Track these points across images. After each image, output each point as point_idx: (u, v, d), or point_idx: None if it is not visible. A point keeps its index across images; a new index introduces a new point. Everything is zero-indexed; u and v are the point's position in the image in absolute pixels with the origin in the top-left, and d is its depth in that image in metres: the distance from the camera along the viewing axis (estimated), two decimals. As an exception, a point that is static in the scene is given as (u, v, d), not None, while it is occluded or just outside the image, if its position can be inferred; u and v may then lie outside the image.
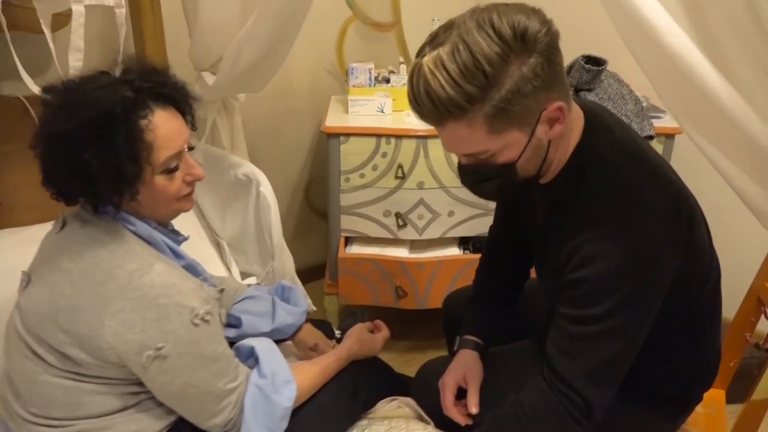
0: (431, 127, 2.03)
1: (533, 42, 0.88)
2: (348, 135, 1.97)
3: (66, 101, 0.99)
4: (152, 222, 1.09)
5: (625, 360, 1.03)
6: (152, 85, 1.03)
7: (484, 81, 0.87)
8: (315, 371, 1.23)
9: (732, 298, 1.43)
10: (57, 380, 1.03)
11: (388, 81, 2.15)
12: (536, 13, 0.91)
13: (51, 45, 1.34)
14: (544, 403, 1.05)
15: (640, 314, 1.00)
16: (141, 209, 1.07)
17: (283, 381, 1.13)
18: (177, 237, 1.16)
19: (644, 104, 1.99)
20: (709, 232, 1.11)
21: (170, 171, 1.05)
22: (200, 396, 1.05)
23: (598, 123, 1.06)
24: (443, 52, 0.88)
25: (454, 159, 1.99)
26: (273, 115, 2.33)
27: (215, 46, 1.60)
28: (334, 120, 2.04)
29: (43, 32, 1.39)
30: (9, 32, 1.51)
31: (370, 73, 2.10)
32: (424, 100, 0.91)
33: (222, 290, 1.22)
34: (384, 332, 1.42)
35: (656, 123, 1.96)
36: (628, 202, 0.99)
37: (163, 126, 1.03)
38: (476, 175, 1.03)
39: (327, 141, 1.99)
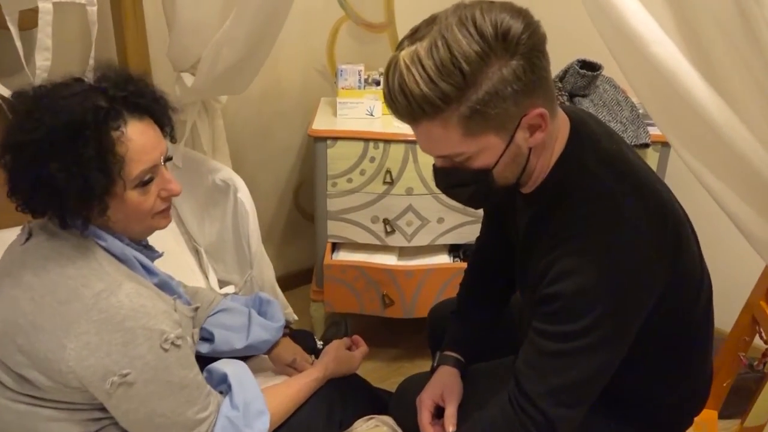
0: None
1: (515, 43, 0.84)
2: (335, 139, 1.92)
3: (34, 108, 0.94)
4: (125, 238, 1.03)
5: (597, 381, 0.98)
6: (127, 94, 0.98)
7: (460, 80, 0.84)
8: (289, 395, 1.17)
9: (726, 313, 1.38)
10: (12, 404, 0.98)
11: (378, 83, 2.10)
12: (522, 13, 0.87)
13: (18, 43, 1.30)
14: (504, 419, 1.00)
15: (617, 334, 0.95)
16: (112, 225, 1.01)
17: (256, 412, 1.07)
18: (151, 253, 1.11)
19: (640, 111, 1.94)
20: (699, 248, 1.06)
21: (144, 184, 1.00)
22: (168, 426, 0.99)
23: (584, 132, 1.02)
24: (421, 47, 0.85)
25: (444, 165, 1.95)
26: (261, 117, 2.28)
27: (193, 47, 1.55)
28: (321, 123, 1.99)
29: (20, 29, 1.34)
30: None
31: (359, 75, 2.05)
32: (398, 97, 0.87)
33: (197, 308, 1.17)
34: (362, 348, 1.37)
35: (652, 130, 1.90)
36: (609, 216, 0.94)
37: (137, 139, 0.98)
38: (451, 178, 0.99)
39: (314, 144, 1.94)
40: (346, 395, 1.25)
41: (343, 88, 2.04)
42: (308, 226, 2.53)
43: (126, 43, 1.69)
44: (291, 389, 1.19)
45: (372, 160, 1.93)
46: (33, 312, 0.94)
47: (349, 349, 1.35)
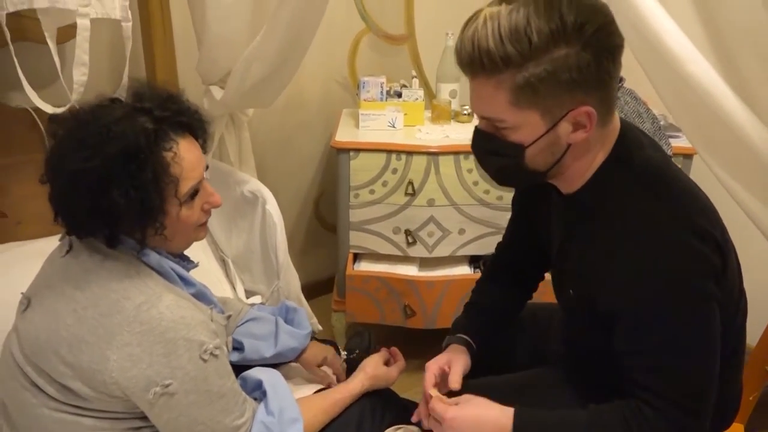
0: (443, 143, 2.00)
1: (589, 37, 0.87)
2: (358, 150, 1.95)
3: (84, 136, 0.95)
4: (162, 250, 1.06)
5: (709, 382, 0.98)
6: (171, 114, 1.01)
7: (526, 48, 0.87)
8: (324, 407, 1.19)
9: (752, 326, 1.37)
10: (55, 414, 0.99)
11: (400, 95, 2.12)
12: (606, 14, 0.88)
13: (56, 58, 1.33)
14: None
15: (700, 335, 0.96)
16: (159, 241, 1.03)
17: (290, 419, 1.09)
18: (187, 264, 1.13)
19: (662, 123, 1.95)
20: (738, 263, 1.06)
21: (191, 199, 1.03)
22: None
23: (631, 138, 1.03)
24: (504, 8, 0.88)
25: (466, 176, 1.97)
26: (283, 127, 2.31)
27: (223, 61, 1.58)
28: (344, 134, 2.02)
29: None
30: (19, 42, 1.50)
31: (381, 87, 2.08)
32: (467, 45, 0.91)
33: (229, 316, 1.19)
34: (400, 363, 1.36)
35: (674, 142, 1.91)
36: (657, 226, 0.94)
37: (187, 157, 1.01)
38: (487, 143, 1.01)
39: (337, 156, 1.97)
40: (376, 407, 1.26)
41: (365, 100, 2.07)
42: (328, 236, 2.55)
43: (155, 58, 1.73)
44: (326, 402, 1.20)
45: (394, 171, 1.95)
46: (75, 324, 0.96)
47: (387, 362, 1.34)
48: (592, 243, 1.02)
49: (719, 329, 0.97)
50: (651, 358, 0.98)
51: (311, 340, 1.40)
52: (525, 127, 0.94)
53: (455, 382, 1.17)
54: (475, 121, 1.14)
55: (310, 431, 1.14)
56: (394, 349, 1.39)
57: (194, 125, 1.05)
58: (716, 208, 1.02)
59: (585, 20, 0.87)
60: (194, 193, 1.04)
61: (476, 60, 0.90)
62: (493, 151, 1.01)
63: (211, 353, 0.98)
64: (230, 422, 1.02)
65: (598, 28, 0.87)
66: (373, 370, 1.29)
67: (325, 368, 1.38)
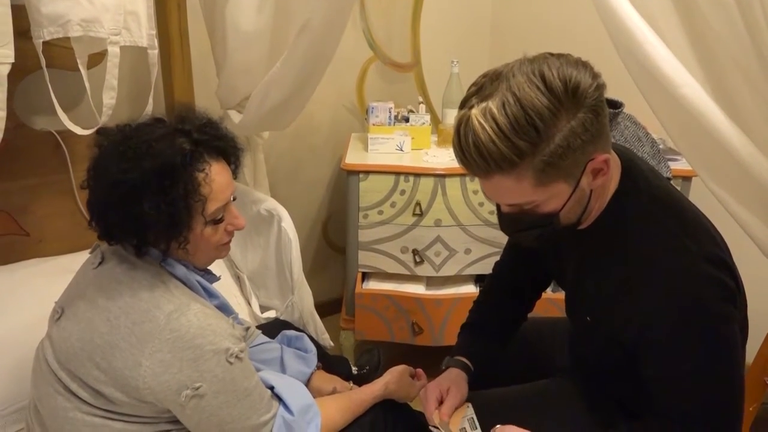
0: (449, 166, 2.05)
1: (583, 97, 0.87)
2: (367, 172, 2.01)
3: (126, 149, 1.02)
4: (189, 264, 1.12)
5: (738, 399, 0.99)
6: (208, 138, 1.08)
7: (535, 135, 0.86)
8: (343, 406, 1.23)
9: (750, 339, 1.42)
10: (87, 417, 1.04)
11: (407, 120, 2.19)
12: (586, 66, 0.90)
13: (86, 83, 1.40)
14: None
15: (727, 353, 0.98)
16: (180, 254, 1.10)
17: (309, 417, 1.14)
18: (211, 277, 1.19)
19: (661, 146, 2.01)
20: (742, 284, 1.08)
21: (216, 222, 1.10)
22: (237, 431, 1.06)
23: (635, 170, 1.06)
24: (492, 104, 0.87)
25: (472, 198, 2.03)
26: (293, 150, 2.38)
27: (242, 87, 1.66)
28: (354, 157, 2.08)
29: (74, 69, 1.45)
30: (47, 69, 1.57)
31: (390, 112, 2.15)
32: (473, 154, 0.89)
33: (248, 329, 1.24)
34: (423, 381, 1.39)
35: (673, 165, 1.97)
36: (674, 257, 0.97)
37: (217, 179, 1.07)
38: (517, 224, 1.02)
39: (347, 178, 2.04)
40: (387, 416, 1.29)
41: (374, 125, 2.14)
42: (336, 258, 2.60)
43: (173, 82, 1.80)
44: (346, 401, 1.24)
45: (402, 192, 2.02)
46: (109, 332, 1.02)
47: (411, 377, 1.37)
48: (609, 274, 1.04)
49: (740, 348, 0.99)
50: (681, 383, 0.99)
51: (321, 355, 1.43)
52: (554, 197, 0.95)
53: (445, 414, 1.20)
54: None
55: (330, 428, 1.18)
56: (420, 370, 1.40)
57: (228, 151, 1.12)
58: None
59: (575, 84, 0.86)
60: (221, 215, 1.10)
61: (490, 164, 0.88)
62: (527, 227, 1.01)
63: (236, 356, 1.04)
64: (257, 419, 1.08)
65: (588, 85, 0.87)
66: (399, 376, 1.32)
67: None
